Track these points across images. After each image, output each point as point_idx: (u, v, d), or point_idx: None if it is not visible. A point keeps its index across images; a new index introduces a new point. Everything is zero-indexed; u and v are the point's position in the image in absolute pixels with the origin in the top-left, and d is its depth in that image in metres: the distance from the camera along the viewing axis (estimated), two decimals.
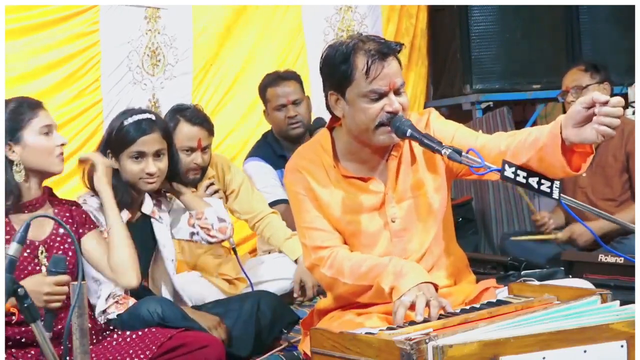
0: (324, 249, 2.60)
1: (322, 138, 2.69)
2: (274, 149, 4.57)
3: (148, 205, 3.26)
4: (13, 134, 2.73)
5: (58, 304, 2.50)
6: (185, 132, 3.87)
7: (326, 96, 2.62)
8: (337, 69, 2.53)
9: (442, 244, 2.67)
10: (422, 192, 2.63)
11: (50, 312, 2.45)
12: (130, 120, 3.14)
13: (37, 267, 2.73)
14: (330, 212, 2.61)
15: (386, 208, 2.61)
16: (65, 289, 2.49)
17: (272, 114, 4.56)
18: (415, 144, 2.61)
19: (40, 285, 2.50)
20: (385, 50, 2.51)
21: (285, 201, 4.39)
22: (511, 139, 2.44)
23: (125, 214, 3.16)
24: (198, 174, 3.93)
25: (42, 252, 2.75)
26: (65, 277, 2.49)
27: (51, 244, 2.78)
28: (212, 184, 3.94)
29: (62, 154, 2.80)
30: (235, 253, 3.78)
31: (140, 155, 3.13)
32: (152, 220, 3.28)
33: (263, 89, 4.60)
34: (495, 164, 2.36)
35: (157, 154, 3.16)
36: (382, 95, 2.50)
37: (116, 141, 3.14)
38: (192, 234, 3.37)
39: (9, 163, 2.73)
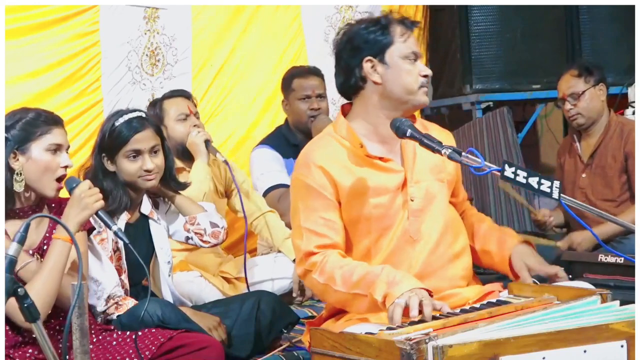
0: (316, 254, 2.59)
1: (337, 126, 2.71)
2: (288, 138, 4.58)
3: (146, 206, 3.26)
4: (22, 144, 2.70)
5: (102, 202, 2.69)
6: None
7: (355, 67, 2.66)
8: (375, 35, 2.65)
9: (464, 239, 2.73)
10: (439, 177, 2.70)
11: (101, 212, 2.68)
12: (121, 120, 3.14)
13: None
14: (355, 201, 2.61)
15: (407, 187, 2.64)
16: (96, 188, 2.71)
17: (294, 104, 4.55)
18: (431, 131, 2.71)
19: (76, 198, 2.65)
20: (411, 23, 2.71)
21: (285, 186, 4.38)
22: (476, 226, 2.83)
23: (125, 216, 3.17)
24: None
25: (37, 259, 2.71)
26: (86, 182, 2.72)
27: (45, 248, 2.74)
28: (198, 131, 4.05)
29: (63, 177, 2.75)
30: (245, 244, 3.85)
31: (137, 153, 3.13)
32: (150, 221, 3.28)
33: (289, 79, 4.61)
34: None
35: (152, 151, 3.16)
36: (416, 60, 2.66)
37: (110, 143, 3.14)
38: (187, 237, 3.40)
39: (11, 171, 2.69)
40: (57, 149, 2.74)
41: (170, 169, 3.28)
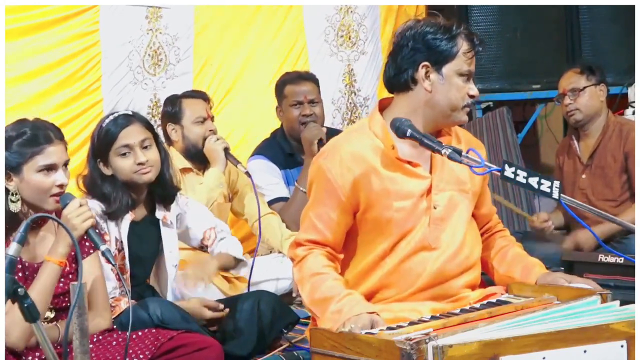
0: (303, 246, 2.64)
1: (372, 122, 2.70)
2: (283, 147, 4.56)
3: (160, 211, 3.28)
4: (14, 165, 2.67)
5: (92, 221, 2.65)
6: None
7: (409, 67, 2.64)
8: (440, 42, 2.63)
9: (478, 252, 2.73)
10: (464, 188, 2.69)
11: (91, 231, 2.63)
12: (107, 120, 3.17)
13: None
14: (378, 202, 2.61)
15: (432, 194, 2.64)
16: (87, 206, 2.67)
17: (287, 111, 4.53)
18: (463, 142, 2.73)
19: (69, 218, 2.61)
20: (479, 43, 2.68)
21: (284, 199, 4.39)
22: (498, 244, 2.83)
23: (129, 216, 3.16)
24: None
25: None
26: (78, 199, 2.67)
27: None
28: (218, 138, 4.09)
29: (60, 193, 2.70)
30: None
31: (127, 148, 3.13)
32: (160, 222, 3.29)
33: (281, 86, 4.59)
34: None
35: (143, 145, 3.15)
36: (469, 79, 2.65)
37: (100, 144, 3.15)
38: (202, 246, 3.47)
39: (6, 192, 2.66)
40: (50, 168, 2.70)
41: (167, 166, 3.25)
